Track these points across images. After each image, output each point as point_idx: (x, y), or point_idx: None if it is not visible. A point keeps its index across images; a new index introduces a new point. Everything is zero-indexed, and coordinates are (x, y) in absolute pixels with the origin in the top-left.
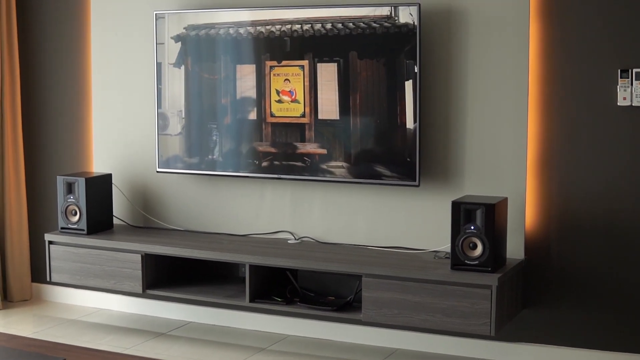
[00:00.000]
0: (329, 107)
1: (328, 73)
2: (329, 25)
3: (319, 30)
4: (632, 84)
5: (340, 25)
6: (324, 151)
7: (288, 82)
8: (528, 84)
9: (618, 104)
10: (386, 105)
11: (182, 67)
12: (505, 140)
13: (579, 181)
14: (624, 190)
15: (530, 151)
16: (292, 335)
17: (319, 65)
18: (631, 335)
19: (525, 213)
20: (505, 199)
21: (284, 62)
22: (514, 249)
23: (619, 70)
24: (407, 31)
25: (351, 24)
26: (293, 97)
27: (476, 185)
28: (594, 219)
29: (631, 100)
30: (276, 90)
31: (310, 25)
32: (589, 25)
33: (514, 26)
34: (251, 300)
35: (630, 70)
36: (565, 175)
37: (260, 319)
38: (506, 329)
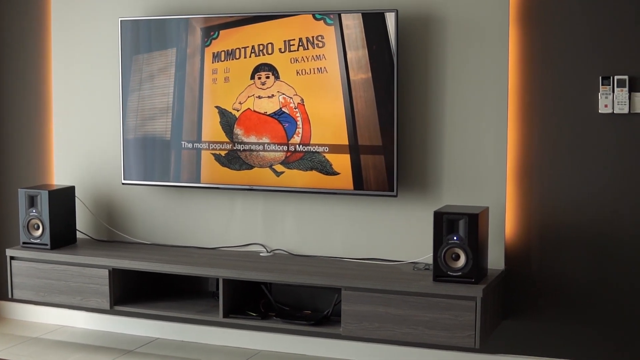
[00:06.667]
0: None
1: None
2: None
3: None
4: (613, 91)
5: None
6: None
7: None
8: (508, 91)
9: (599, 111)
10: None
11: None
12: (485, 149)
13: (560, 190)
14: (605, 199)
15: (510, 160)
16: (265, 351)
17: None
18: (611, 345)
19: (505, 222)
20: (487, 209)
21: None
22: (495, 259)
23: (600, 78)
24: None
25: None
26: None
27: (455, 195)
28: (575, 228)
29: (612, 108)
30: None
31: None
32: (569, 32)
33: (493, 33)
34: (225, 316)
35: (611, 77)
36: (545, 184)
37: (231, 334)
38: (487, 340)
